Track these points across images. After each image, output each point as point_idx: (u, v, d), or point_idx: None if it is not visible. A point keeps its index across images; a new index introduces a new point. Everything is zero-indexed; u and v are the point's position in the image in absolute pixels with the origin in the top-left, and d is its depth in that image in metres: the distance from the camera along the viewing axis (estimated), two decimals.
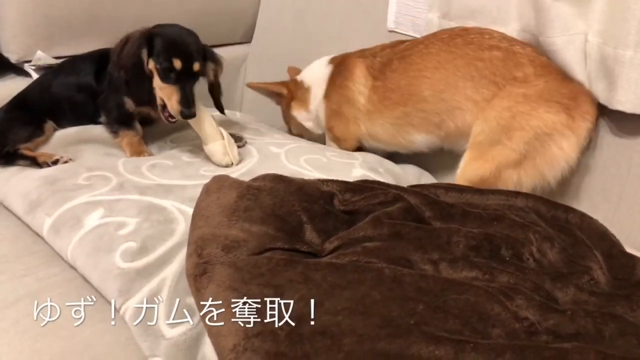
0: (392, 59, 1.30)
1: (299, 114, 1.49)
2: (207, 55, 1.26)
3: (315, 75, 1.44)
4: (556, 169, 1.14)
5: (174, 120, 1.22)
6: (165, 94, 1.19)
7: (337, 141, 1.42)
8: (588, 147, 1.17)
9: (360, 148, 1.42)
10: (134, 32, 1.20)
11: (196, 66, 1.20)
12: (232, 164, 1.23)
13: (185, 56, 1.18)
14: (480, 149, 1.17)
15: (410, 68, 1.26)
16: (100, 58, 1.32)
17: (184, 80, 1.18)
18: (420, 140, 1.30)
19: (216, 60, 1.29)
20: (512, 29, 1.25)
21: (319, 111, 1.44)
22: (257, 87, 1.53)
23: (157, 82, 1.19)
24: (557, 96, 1.13)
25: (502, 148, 1.15)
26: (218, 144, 1.21)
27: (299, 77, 1.50)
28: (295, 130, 1.56)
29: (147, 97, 1.22)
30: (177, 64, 1.17)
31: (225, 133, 1.24)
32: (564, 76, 1.16)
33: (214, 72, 1.29)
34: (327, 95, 1.40)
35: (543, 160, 1.13)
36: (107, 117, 1.30)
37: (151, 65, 1.19)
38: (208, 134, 1.22)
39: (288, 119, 1.55)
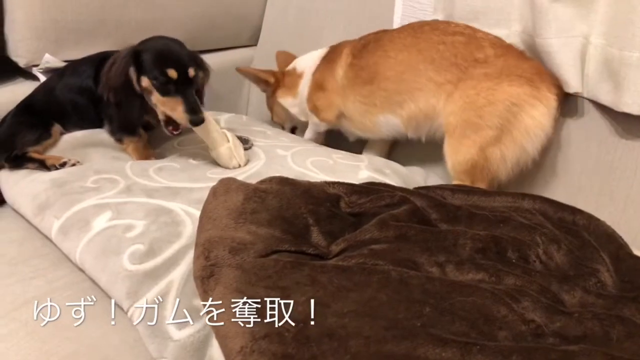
0: (369, 41, 1.36)
1: (285, 100, 1.53)
2: (196, 61, 1.25)
3: (310, 61, 1.49)
4: (534, 140, 1.17)
5: (177, 132, 1.21)
6: (169, 106, 1.18)
7: (316, 111, 1.45)
8: (595, 148, 1.17)
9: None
10: (120, 52, 1.19)
11: (191, 72, 1.18)
12: (240, 165, 1.23)
13: (179, 64, 1.17)
14: (457, 134, 1.20)
15: (379, 49, 1.32)
16: (100, 61, 1.32)
17: (183, 89, 1.17)
18: (383, 121, 1.34)
19: (204, 69, 1.28)
20: (514, 31, 1.25)
21: (304, 91, 1.47)
22: (246, 72, 1.60)
23: (156, 97, 1.18)
24: (518, 71, 1.17)
25: (477, 128, 1.17)
26: (225, 147, 1.22)
27: (292, 66, 1.54)
28: (277, 118, 1.62)
29: (138, 116, 1.23)
30: (173, 73, 1.16)
31: (230, 135, 1.25)
32: (524, 56, 1.22)
33: (201, 80, 1.28)
34: (315, 72, 1.45)
35: (519, 132, 1.16)
36: (110, 125, 1.30)
37: (145, 82, 1.18)
38: (214, 139, 1.22)
39: (272, 105, 1.60)
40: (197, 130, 1.22)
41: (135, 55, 1.18)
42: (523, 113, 1.15)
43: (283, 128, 1.65)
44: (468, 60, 1.20)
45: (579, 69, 1.15)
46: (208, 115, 1.24)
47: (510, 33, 1.25)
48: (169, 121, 1.20)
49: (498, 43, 1.22)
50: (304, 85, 1.48)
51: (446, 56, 1.22)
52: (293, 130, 1.64)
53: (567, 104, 1.21)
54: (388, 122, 1.33)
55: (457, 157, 1.20)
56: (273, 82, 1.54)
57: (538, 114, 1.15)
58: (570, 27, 1.14)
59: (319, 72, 1.44)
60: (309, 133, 1.54)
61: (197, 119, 1.17)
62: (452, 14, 1.35)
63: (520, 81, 1.16)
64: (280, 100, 1.55)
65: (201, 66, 1.26)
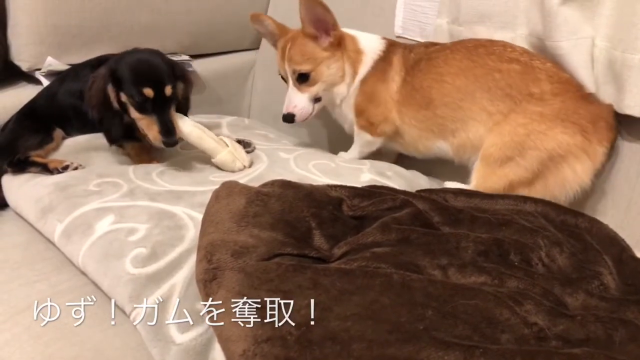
0: (421, 59, 1.29)
1: (339, 71, 1.34)
2: (176, 73, 1.23)
3: (369, 46, 1.36)
4: (568, 191, 1.13)
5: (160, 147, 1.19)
6: (144, 125, 1.17)
7: (369, 127, 1.35)
8: None
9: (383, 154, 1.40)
10: (100, 70, 1.19)
11: (168, 90, 1.17)
12: (245, 166, 1.24)
13: (155, 83, 1.15)
14: (493, 164, 1.16)
15: (433, 70, 1.26)
16: (99, 65, 1.32)
17: (160, 108, 1.16)
18: (436, 148, 1.30)
19: (186, 79, 1.27)
20: (520, 34, 1.25)
21: (350, 92, 1.35)
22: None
23: (134, 113, 1.18)
24: (574, 117, 1.11)
25: (515, 166, 1.13)
26: (225, 153, 1.22)
27: (351, 32, 1.38)
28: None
29: (121, 131, 1.21)
30: (149, 92, 1.14)
31: (227, 140, 1.25)
32: (583, 95, 1.14)
33: (183, 92, 1.26)
34: (366, 79, 1.34)
35: (555, 182, 1.12)
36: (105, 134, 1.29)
37: (124, 98, 1.17)
38: (212, 147, 1.22)
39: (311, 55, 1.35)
40: (194, 142, 1.22)
41: (112, 73, 1.17)
42: (566, 165, 1.11)
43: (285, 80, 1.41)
44: (523, 94, 1.15)
45: (590, 71, 1.15)
46: (198, 125, 1.24)
47: (516, 36, 1.25)
48: None
49: (555, 76, 1.15)
50: (361, 73, 1.34)
51: (501, 86, 1.17)
52: (317, 100, 1.38)
53: None
54: (440, 148, 1.30)
55: (485, 184, 1.17)
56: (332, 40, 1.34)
57: (581, 169, 1.11)
58: (578, 29, 1.13)
59: (370, 83, 1.34)
60: (354, 151, 1.42)
61: (170, 142, 1.16)
62: (457, 17, 1.34)
63: (574, 129, 1.10)
64: (332, 69, 1.33)
65: (182, 78, 1.25)
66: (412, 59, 1.31)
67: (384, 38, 1.38)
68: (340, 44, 1.35)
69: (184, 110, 1.29)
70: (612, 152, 1.14)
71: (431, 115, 1.26)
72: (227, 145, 1.23)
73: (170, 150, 1.25)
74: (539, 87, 1.14)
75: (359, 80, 1.35)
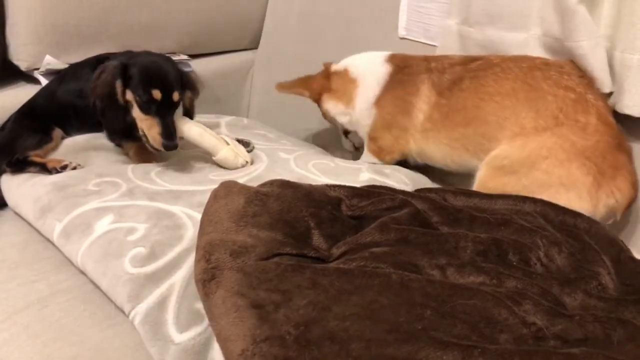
0: (463, 77, 1.22)
1: (335, 108, 1.39)
2: (184, 82, 1.24)
3: (367, 70, 1.34)
4: None
5: (159, 149, 1.19)
6: (146, 125, 1.17)
7: (379, 152, 1.35)
8: None
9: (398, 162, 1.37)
10: (111, 62, 1.19)
11: (176, 96, 1.18)
12: (247, 162, 1.24)
13: (165, 87, 1.16)
14: (497, 170, 1.14)
15: (481, 90, 1.20)
16: (97, 64, 1.33)
17: (164, 111, 1.17)
18: (466, 163, 1.24)
19: (193, 88, 1.28)
20: (532, 34, 1.23)
21: (363, 114, 1.34)
22: (285, 90, 1.45)
23: (137, 113, 1.18)
24: (598, 159, 1.08)
25: (515, 180, 1.11)
26: (226, 150, 1.22)
27: (342, 66, 1.39)
28: (327, 118, 1.46)
29: (122, 127, 1.22)
30: (157, 94, 1.15)
31: (227, 138, 1.25)
32: (619, 144, 1.10)
33: (189, 99, 1.28)
34: (381, 102, 1.31)
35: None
36: (107, 131, 1.30)
37: (129, 96, 1.18)
38: (213, 145, 1.23)
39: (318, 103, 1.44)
40: (195, 140, 1.22)
41: (124, 68, 1.17)
42: (564, 194, 1.08)
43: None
44: (569, 118, 1.10)
45: (608, 71, 1.13)
46: (198, 124, 1.24)
47: (529, 37, 1.22)
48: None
49: (603, 116, 1.10)
50: (361, 104, 1.34)
51: (551, 108, 1.12)
52: (346, 134, 1.52)
53: None
54: (470, 164, 1.24)
55: (487, 185, 1.15)
56: (313, 92, 1.40)
57: (577, 205, 1.06)
58: (595, 28, 1.12)
59: (388, 109, 1.30)
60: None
61: (170, 145, 1.16)
62: (467, 18, 1.32)
63: (590, 169, 1.07)
64: (326, 106, 1.40)
65: (190, 86, 1.26)
66: (448, 80, 1.24)
67: (390, 59, 1.33)
68: (321, 92, 1.39)
69: (189, 117, 1.30)
70: (627, 212, 1.11)
71: (470, 134, 1.21)
72: (227, 143, 1.23)
73: (174, 151, 1.25)
74: (586, 118, 1.10)
75: (367, 106, 1.32)
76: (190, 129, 1.22)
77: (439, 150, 1.26)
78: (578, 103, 1.11)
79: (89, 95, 1.20)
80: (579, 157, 1.08)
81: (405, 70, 1.30)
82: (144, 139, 1.20)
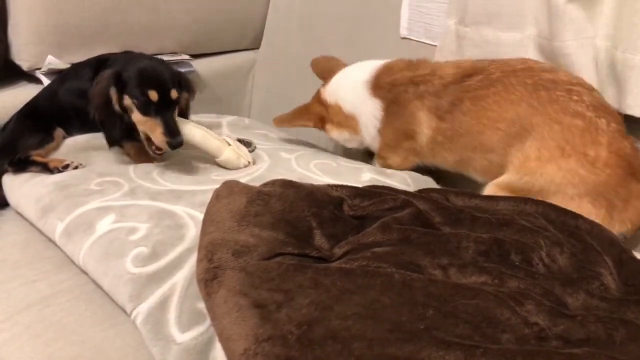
0: (462, 99, 1.15)
1: (340, 136, 1.35)
2: (180, 82, 1.23)
3: (360, 108, 1.29)
4: None
5: (160, 152, 1.19)
6: (148, 127, 1.17)
7: (389, 167, 1.31)
8: None
9: None
10: (105, 72, 1.20)
11: (173, 93, 1.17)
12: (250, 162, 1.24)
13: (161, 86, 1.16)
14: (504, 189, 1.11)
15: (484, 115, 1.13)
16: (98, 64, 1.33)
17: (164, 111, 1.16)
18: (478, 178, 1.21)
19: (190, 89, 1.28)
20: (528, 35, 1.23)
21: (369, 140, 1.32)
22: (284, 124, 1.41)
23: (137, 116, 1.17)
24: (610, 194, 1.03)
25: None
26: (229, 151, 1.22)
27: (332, 99, 1.33)
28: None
29: (119, 134, 1.22)
30: (154, 95, 1.15)
31: (229, 139, 1.25)
32: (634, 172, 1.05)
33: (185, 100, 1.28)
34: (383, 132, 1.28)
35: None
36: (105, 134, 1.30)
37: (127, 101, 1.17)
38: (215, 147, 1.23)
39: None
40: (198, 142, 1.22)
41: (117, 76, 1.17)
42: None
43: None
44: (577, 151, 1.04)
45: (594, 72, 1.14)
46: (199, 126, 1.24)
47: (524, 37, 1.22)
48: (151, 141, 1.19)
49: (615, 144, 1.04)
50: (366, 132, 1.30)
51: (557, 138, 1.05)
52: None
53: None
54: (479, 179, 1.20)
55: None
56: (313, 124, 1.36)
57: None
58: (584, 28, 1.12)
59: (391, 136, 1.26)
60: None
61: (175, 142, 1.15)
62: (464, 18, 1.32)
63: (602, 204, 1.03)
64: (332, 135, 1.36)
65: (185, 86, 1.26)
66: (447, 103, 1.17)
67: (374, 91, 1.26)
68: (323, 122, 1.35)
69: (184, 117, 1.29)
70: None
71: (478, 158, 1.16)
72: (229, 144, 1.24)
73: (172, 151, 1.25)
74: (595, 151, 1.03)
75: (372, 135, 1.30)
76: (193, 132, 1.22)
77: (447, 164, 1.24)
78: (587, 133, 1.04)
79: (90, 107, 1.20)
80: (590, 193, 1.03)
81: (396, 101, 1.24)
82: (146, 144, 1.20)
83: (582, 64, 1.14)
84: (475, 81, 1.15)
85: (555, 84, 1.09)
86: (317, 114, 1.36)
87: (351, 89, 1.30)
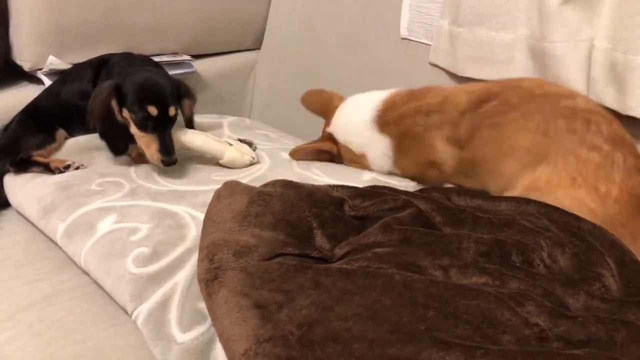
0: (480, 127, 1.11)
1: (360, 166, 1.30)
2: (181, 91, 1.23)
3: (370, 146, 1.26)
4: None
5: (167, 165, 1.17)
6: (144, 142, 1.16)
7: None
8: None
9: None
10: (104, 83, 1.19)
11: (172, 111, 1.17)
12: (254, 158, 1.24)
13: (160, 102, 1.15)
14: None
15: (502, 142, 1.09)
16: (99, 64, 1.33)
17: (161, 127, 1.16)
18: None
19: (191, 96, 1.28)
20: (520, 35, 1.23)
21: (389, 170, 1.27)
22: (302, 155, 1.32)
23: (134, 130, 1.17)
24: (618, 228, 0.98)
25: None
26: (230, 151, 1.23)
27: (341, 138, 1.30)
28: None
29: (124, 145, 1.22)
30: (153, 111, 1.14)
31: (229, 139, 1.26)
32: None
33: (189, 107, 1.28)
34: (400, 165, 1.25)
35: None
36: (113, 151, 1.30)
37: (126, 114, 1.17)
38: (217, 148, 1.23)
39: None
40: (200, 147, 1.22)
41: (117, 88, 1.16)
42: None
43: None
44: (588, 184, 1.00)
45: (585, 73, 1.14)
46: (197, 132, 1.25)
47: (517, 37, 1.23)
48: None
49: (629, 181, 0.99)
50: (383, 167, 1.27)
51: (570, 170, 1.01)
52: None
53: None
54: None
55: None
56: (332, 154, 1.32)
57: None
58: (577, 31, 1.12)
59: (410, 167, 1.23)
60: None
61: (169, 160, 1.14)
62: (457, 18, 1.33)
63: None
64: (352, 166, 1.31)
65: (186, 94, 1.26)
66: (466, 131, 1.13)
67: (381, 126, 1.23)
68: (339, 155, 1.31)
69: (191, 124, 1.30)
70: None
71: (491, 181, 1.13)
72: (230, 144, 1.24)
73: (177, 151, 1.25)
74: (607, 187, 1.00)
75: (390, 168, 1.26)
76: (194, 138, 1.22)
77: (466, 185, 1.19)
78: (601, 168, 1.00)
79: (89, 119, 1.19)
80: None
81: (407, 134, 1.21)
82: (145, 154, 1.19)
83: (570, 66, 1.14)
84: (492, 107, 1.11)
85: (574, 113, 1.04)
86: (331, 148, 1.32)
87: (356, 130, 1.27)
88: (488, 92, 1.13)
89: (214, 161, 1.25)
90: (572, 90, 1.11)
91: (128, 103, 1.16)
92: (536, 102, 1.08)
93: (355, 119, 1.27)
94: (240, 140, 1.31)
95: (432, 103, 1.17)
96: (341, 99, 1.35)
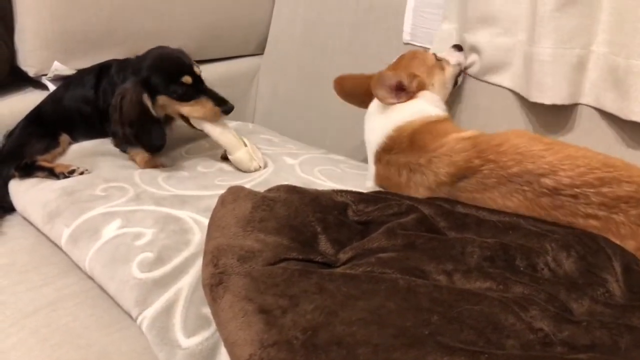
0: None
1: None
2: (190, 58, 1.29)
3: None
4: None
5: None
6: (197, 109, 1.23)
7: None
8: None
9: None
10: (124, 86, 1.21)
11: (196, 70, 1.23)
12: (261, 167, 1.26)
13: (187, 68, 1.22)
14: None
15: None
16: (99, 70, 1.35)
17: (200, 87, 1.22)
18: None
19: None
20: (519, 40, 1.23)
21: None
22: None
23: (182, 107, 1.23)
24: None
25: None
26: (243, 151, 1.24)
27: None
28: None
29: (162, 140, 1.24)
30: (188, 80, 1.20)
31: (246, 140, 1.27)
32: None
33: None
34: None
35: None
36: (114, 138, 1.31)
37: (162, 100, 1.21)
38: (232, 143, 1.25)
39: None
40: (216, 135, 1.25)
41: (145, 83, 1.20)
42: None
43: None
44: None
45: (572, 80, 1.14)
46: (222, 123, 1.27)
47: (516, 42, 1.24)
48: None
49: (637, 235, 0.94)
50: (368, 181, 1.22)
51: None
52: None
53: (572, 113, 1.21)
54: None
55: None
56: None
57: None
58: (569, 38, 1.13)
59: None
60: None
61: (228, 108, 1.23)
62: (462, 22, 1.32)
63: None
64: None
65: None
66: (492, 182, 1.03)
67: (377, 157, 1.19)
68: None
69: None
70: None
71: None
72: (245, 145, 1.25)
73: (176, 157, 1.27)
74: (625, 244, 0.94)
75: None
76: (213, 128, 1.25)
77: None
78: (606, 231, 0.96)
79: (115, 126, 1.21)
80: None
81: (390, 179, 1.16)
82: (203, 117, 1.24)
83: (557, 72, 1.13)
84: (469, 184, 1.04)
85: (557, 191, 0.97)
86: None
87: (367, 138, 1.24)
88: (467, 168, 1.04)
89: (213, 162, 1.27)
90: (552, 164, 0.98)
91: (162, 90, 1.21)
92: (514, 182, 1.00)
93: (371, 127, 1.23)
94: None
95: (418, 163, 1.10)
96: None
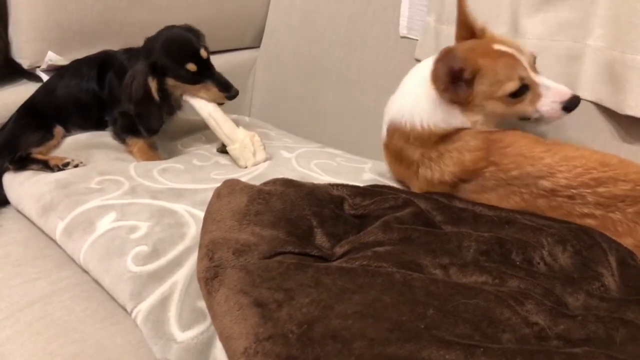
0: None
1: None
2: (199, 36, 1.31)
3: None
4: None
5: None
6: (204, 92, 1.26)
7: None
8: None
9: None
10: (137, 67, 1.24)
11: (203, 53, 1.24)
12: (248, 166, 1.26)
13: (195, 54, 1.23)
14: None
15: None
16: (101, 61, 1.34)
17: (208, 71, 1.25)
18: None
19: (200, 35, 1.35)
20: (502, 32, 1.23)
21: None
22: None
23: (190, 89, 1.26)
24: None
25: None
26: (238, 149, 1.24)
27: None
28: None
29: (158, 123, 1.27)
30: (192, 67, 1.23)
31: (243, 135, 1.27)
32: None
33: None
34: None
35: None
36: (113, 127, 1.32)
37: (171, 82, 1.24)
38: (225, 136, 1.26)
39: None
40: (213, 124, 1.27)
41: (153, 66, 1.22)
42: None
43: None
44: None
45: (567, 73, 1.14)
46: (225, 114, 1.30)
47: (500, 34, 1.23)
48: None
49: (636, 233, 0.94)
50: None
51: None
52: None
53: None
54: None
55: None
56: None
57: None
58: (556, 31, 1.12)
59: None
60: None
61: (232, 93, 1.27)
62: (441, 15, 1.32)
63: None
64: None
65: (198, 35, 1.32)
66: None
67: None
68: None
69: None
70: None
71: None
72: (244, 140, 1.26)
73: (172, 150, 1.26)
74: (622, 241, 0.95)
75: None
76: (214, 111, 1.28)
77: None
78: (604, 229, 0.96)
79: (124, 103, 1.25)
80: None
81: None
82: (210, 100, 1.28)
83: (545, 64, 1.11)
84: (469, 186, 1.06)
85: (553, 193, 0.98)
86: None
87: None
88: (473, 171, 1.04)
89: (209, 155, 1.28)
90: (550, 166, 0.99)
91: (171, 72, 1.24)
92: (512, 185, 1.01)
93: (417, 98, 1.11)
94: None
95: (430, 156, 1.09)
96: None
